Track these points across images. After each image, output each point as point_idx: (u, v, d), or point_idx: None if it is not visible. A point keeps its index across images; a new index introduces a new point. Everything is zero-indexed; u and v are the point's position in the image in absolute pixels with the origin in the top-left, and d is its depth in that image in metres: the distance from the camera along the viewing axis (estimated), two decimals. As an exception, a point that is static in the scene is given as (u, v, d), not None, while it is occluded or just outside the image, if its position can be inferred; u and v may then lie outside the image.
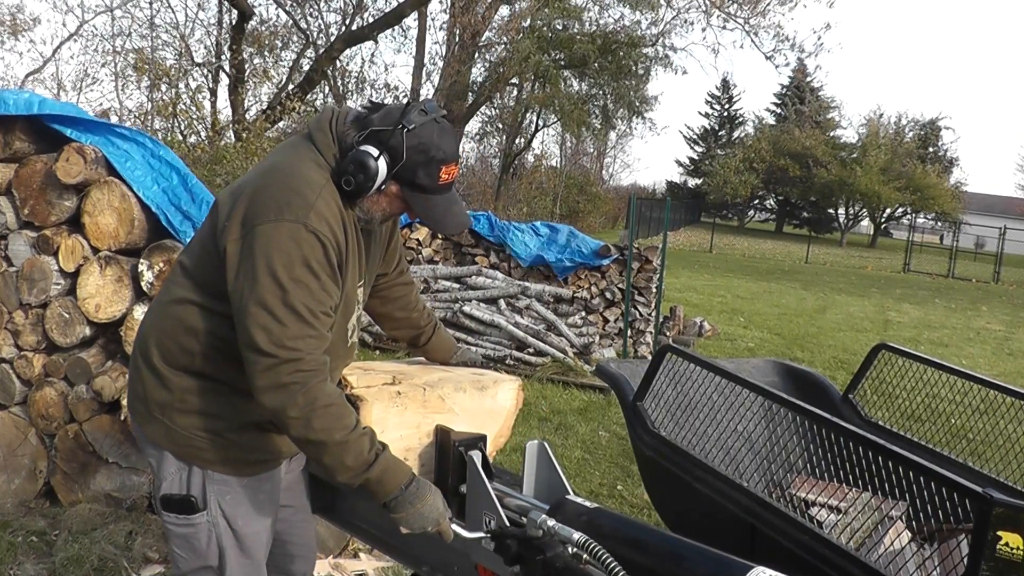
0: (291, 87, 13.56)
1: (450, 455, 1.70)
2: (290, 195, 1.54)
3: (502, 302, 6.75)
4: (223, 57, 13.53)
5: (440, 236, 7.36)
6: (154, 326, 1.69)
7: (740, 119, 49.21)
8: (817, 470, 2.49)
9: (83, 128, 3.18)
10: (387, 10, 14.56)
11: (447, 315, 6.72)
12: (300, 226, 1.51)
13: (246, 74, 12.44)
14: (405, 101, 1.69)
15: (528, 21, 17.08)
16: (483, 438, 1.75)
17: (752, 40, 17.11)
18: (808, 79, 41.96)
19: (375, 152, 1.57)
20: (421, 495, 1.54)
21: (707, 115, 49.99)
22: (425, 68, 17.89)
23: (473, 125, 21.91)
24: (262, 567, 1.77)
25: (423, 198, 1.64)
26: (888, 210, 40.85)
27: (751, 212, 49.01)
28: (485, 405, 1.86)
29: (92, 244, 3.17)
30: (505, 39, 17.25)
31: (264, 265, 1.49)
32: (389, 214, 1.71)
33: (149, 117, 11.22)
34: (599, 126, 21.60)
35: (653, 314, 7.28)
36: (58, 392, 3.20)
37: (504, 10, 17.79)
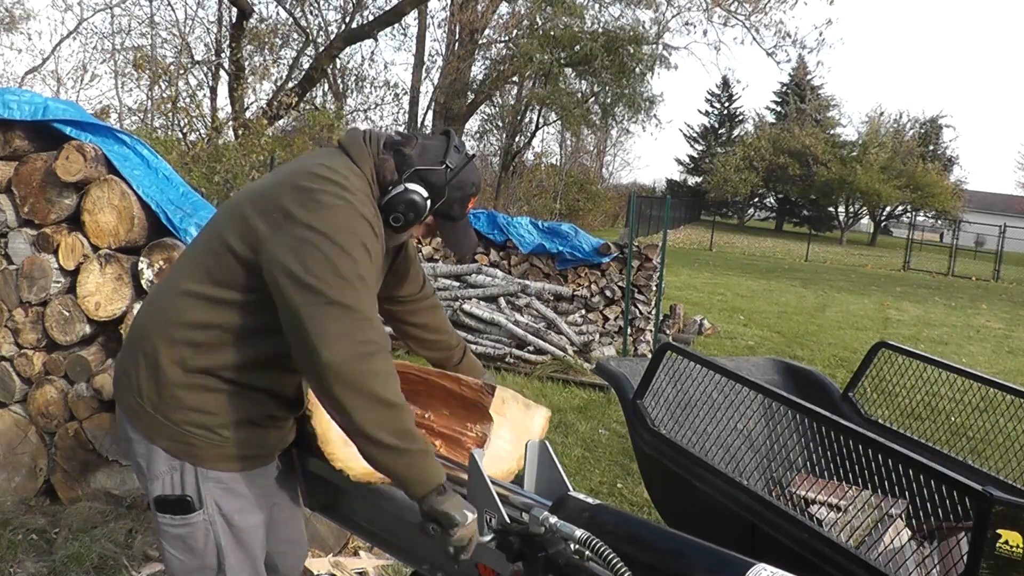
0: (291, 85, 13.56)
1: None
2: (341, 189, 1.59)
3: (502, 300, 6.75)
4: (223, 55, 13.52)
5: (440, 234, 7.35)
6: (154, 318, 1.68)
7: (740, 117, 49.23)
8: (817, 468, 2.49)
9: (84, 129, 3.18)
10: (387, 8, 14.55)
11: (447, 313, 6.72)
12: (357, 211, 1.57)
13: (246, 72, 12.44)
14: (441, 134, 1.78)
15: (528, 20, 17.07)
16: None
17: (753, 37, 17.12)
18: (809, 77, 41.96)
19: (424, 192, 1.69)
20: (451, 496, 1.52)
21: (707, 113, 50.05)
22: (425, 66, 17.91)
23: (473, 123, 21.93)
24: (260, 562, 1.77)
25: (450, 225, 1.79)
26: (888, 208, 40.85)
27: (751, 210, 49.01)
28: (525, 422, 1.91)
29: (92, 242, 3.17)
30: (505, 37, 17.24)
31: (325, 238, 1.51)
32: (411, 238, 1.83)
33: (149, 115, 11.22)
34: (599, 123, 21.59)
35: (653, 312, 7.28)
36: (58, 390, 3.20)
37: (504, 8, 17.80)
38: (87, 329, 3.19)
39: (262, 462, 1.73)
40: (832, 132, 41.72)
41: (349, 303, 1.49)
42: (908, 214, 37.80)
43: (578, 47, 16.55)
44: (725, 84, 47.57)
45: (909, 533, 2.17)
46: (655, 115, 22.10)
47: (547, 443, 1.68)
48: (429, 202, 1.70)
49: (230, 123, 11.40)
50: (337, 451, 1.73)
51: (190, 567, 1.69)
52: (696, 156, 48.51)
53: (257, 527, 1.74)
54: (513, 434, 1.86)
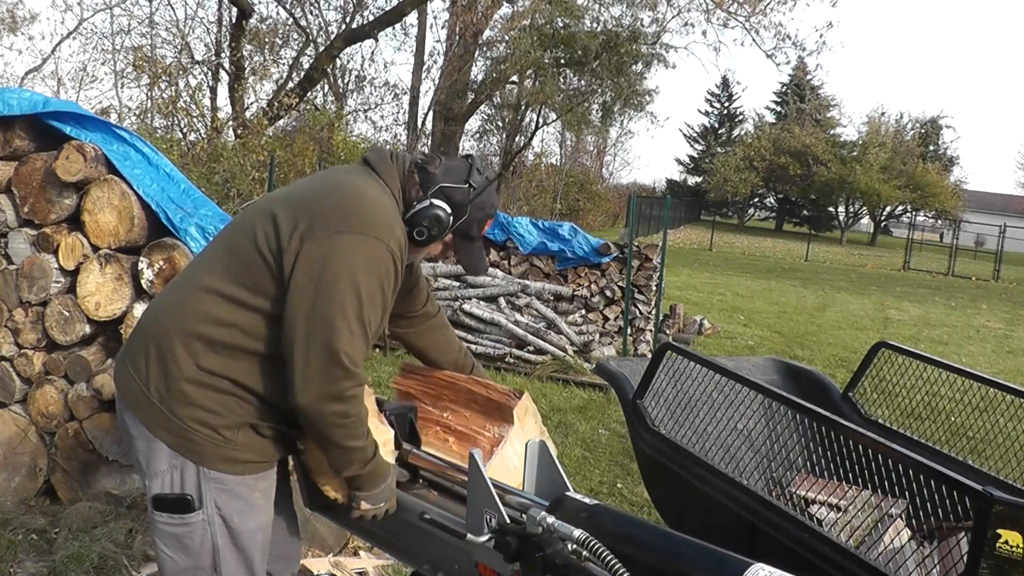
0: (291, 85, 13.55)
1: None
2: (375, 215, 1.62)
3: (502, 300, 6.75)
4: (223, 55, 13.52)
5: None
6: (171, 311, 1.68)
7: (740, 117, 49.23)
8: (817, 468, 2.49)
9: (83, 126, 3.18)
10: (387, 8, 14.55)
11: (447, 313, 6.72)
12: (384, 244, 1.60)
13: (246, 72, 12.43)
14: (464, 156, 1.84)
15: (529, 20, 17.07)
16: (413, 409, 1.95)
17: (752, 38, 17.11)
18: (809, 77, 41.97)
19: (448, 208, 1.75)
20: (387, 477, 1.75)
21: (707, 113, 50.03)
22: (425, 66, 17.90)
23: (473, 123, 21.92)
24: (258, 566, 1.76)
25: (467, 245, 1.85)
26: (888, 208, 40.86)
27: (751, 210, 49.00)
28: None
29: (92, 242, 3.17)
30: (506, 37, 17.24)
31: (348, 274, 1.56)
32: (429, 257, 1.85)
33: (149, 115, 11.21)
34: (598, 122, 21.60)
35: (653, 312, 7.28)
36: (58, 390, 3.20)
37: (506, 8, 17.80)
38: (87, 329, 3.19)
39: (263, 467, 1.73)
40: (832, 132, 41.74)
41: (337, 349, 1.55)
42: (908, 214, 37.81)
43: (577, 47, 16.55)
44: (725, 84, 47.63)
45: (909, 533, 2.17)
46: (650, 112, 22.07)
47: (547, 443, 1.68)
48: (452, 219, 1.76)
49: (230, 123, 11.40)
50: (330, 482, 1.80)
51: (183, 567, 1.68)
52: (696, 156, 48.50)
53: (256, 531, 1.73)
54: (519, 450, 1.87)
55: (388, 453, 1.80)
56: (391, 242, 1.62)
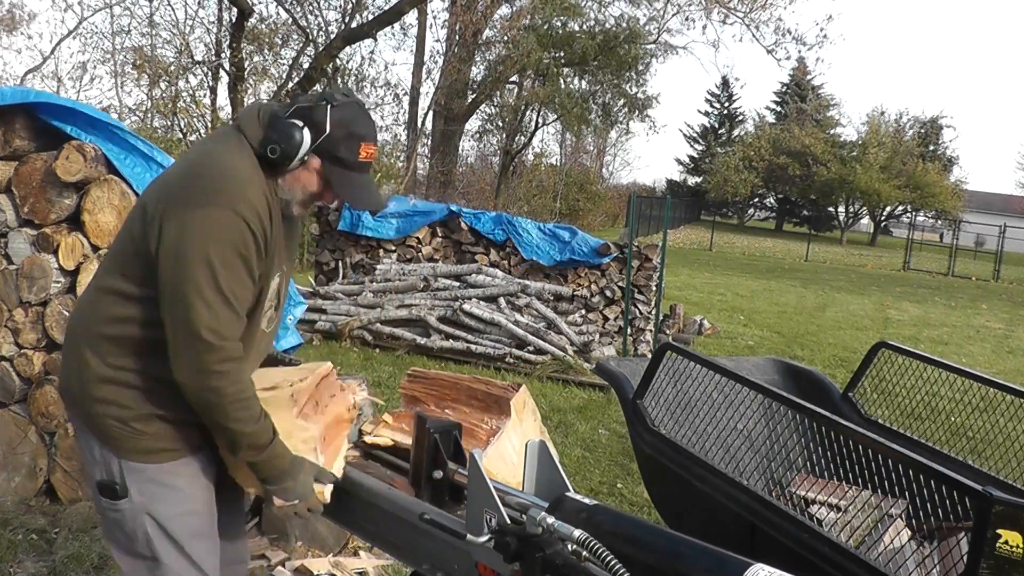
0: (291, 85, 13.55)
1: (425, 442, 1.81)
2: (221, 181, 1.61)
3: (502, 300, 6.75)
4: (223, 55, 13.52)
5: (440, 235, 7.39)
6: (80, 315, 1.76)
7: (740, 117, 49.21)
8: (817, 468, 2.49)
9: (83, 125, 3.18)
10: (386, 8, 14.54)
11: (447, 313, 6.71)
12: (231, 211, 1.59)
13: (246, 72, 12.43)
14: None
15: (529, 19, 17.07)
16: (457, 426, 1.88)
17: (752, 34, 17.10)
18: (809, 77, 41.96)
19: (300, 123, 1.66)
20: (295, 472, 1.71)
21: (707, 113, 49.99)
22: (425, 66, 17.90)
23: (473, 123, 21.91)
24: (194, 549, 1.74)
25: (342, 173, 1.71)
26: (888, 208, 40.87)
27: (751, 210, 49.00)
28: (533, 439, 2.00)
29: (92, 242, 3.17)
30: (506, 37, 17.24)
31: (198, 249, 1.56)
32: (308, 193, 1.75)
33: (149, 115, 11.22)
34: (599, 123, 21.60)
35: (653, 312, 7.28)
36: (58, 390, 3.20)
37: (504, 8, 17.80)
38: (87, 329, 3.19)
39: (181, 455, 1.74)
40: (832, 132, 41.72)
41: (196, 324, 1.55)
42: (908, 214, 37.81)
43: (576, 46, 16.54)
44: (725, 84, 47.56)
45: (909, 533, 2.17)
46: (650, 116, 22.03)
47: (547, 443, 1.68)
48: (308, 136, 1.65)
49: (230, 123, 11.39)
50: (237, 472, 1.79)
51: (130, 549, 1.73)
52: (696, 156, 48.47)
53: (186, 515, 1.74)
54: (521, 444, 1.87)
55: (308, 450, 1.77)
56: (240, 206, 1.58)
